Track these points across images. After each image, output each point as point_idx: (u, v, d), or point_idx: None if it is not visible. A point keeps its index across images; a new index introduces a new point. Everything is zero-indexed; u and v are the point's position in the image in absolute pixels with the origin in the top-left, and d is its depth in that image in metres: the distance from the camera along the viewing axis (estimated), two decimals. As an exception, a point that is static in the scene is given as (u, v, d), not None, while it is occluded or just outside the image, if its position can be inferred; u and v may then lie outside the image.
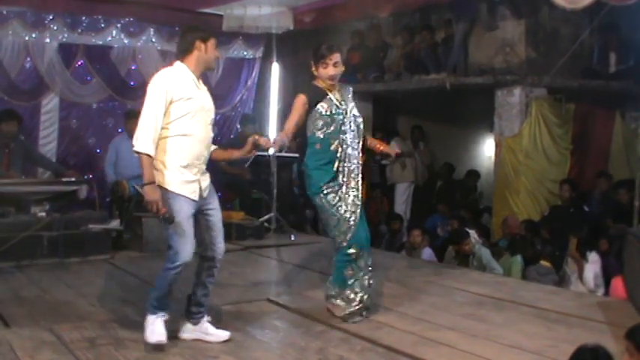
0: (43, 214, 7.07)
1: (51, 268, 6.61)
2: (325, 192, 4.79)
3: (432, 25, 10.33)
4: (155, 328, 4.18)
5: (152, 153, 4.09)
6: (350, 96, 4.98)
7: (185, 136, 4.19)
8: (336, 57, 4.84)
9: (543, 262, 7.15)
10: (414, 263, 7.41)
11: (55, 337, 4.38)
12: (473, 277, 6.57)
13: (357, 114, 4.97)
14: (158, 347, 4.16)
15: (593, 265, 6.93)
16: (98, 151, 9.24)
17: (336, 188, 4.80)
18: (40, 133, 8.88)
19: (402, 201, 10.56)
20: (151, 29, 9.40)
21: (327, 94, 4.84)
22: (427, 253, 8.19)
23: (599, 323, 4.83)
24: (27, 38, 8.59)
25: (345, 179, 4.81)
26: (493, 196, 9.51)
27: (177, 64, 4.29)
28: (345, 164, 4.81)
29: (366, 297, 4.87)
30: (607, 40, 9.38)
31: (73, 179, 7.78)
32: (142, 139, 4.09)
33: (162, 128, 4.15)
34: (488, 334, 4.54)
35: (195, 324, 4.43)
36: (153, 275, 6.31)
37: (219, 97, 10.17)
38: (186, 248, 4.15)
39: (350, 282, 4.85)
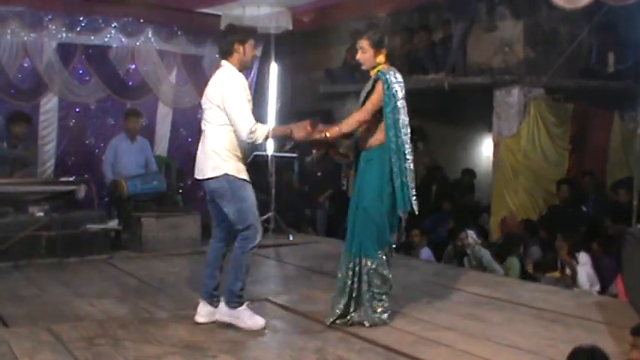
0: (42, 214, 7.07)
1: (49, 268, 6.61)
2: None
3: (430, 25, 10.34)
4: (253, 315, 4.61)
5: (269, 128, 4.58)
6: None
7: None
8: (359, 43, 4.79)
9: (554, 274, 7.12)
10: (413, 263, 7.41)
11: (53, 336, 4.37)
12: (471, 277, 6.57)
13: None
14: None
15: (584, 267, 6.94)
16: (97, 151, 9.22)
17: None
18: (39, 133, 8.84)
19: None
20: (149, 29, 9.38)
21: None
22: (426, 253, 8.20)
23: (597, 323, 4.84)
24: (25, 38, 8.55)
25: None
26: (491, 196, 9.51)
27: (227, 65, 4.62)
28: None
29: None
30: (605, 40, 9.40)
31: (71, 179, 7.78)
32: (255, 130, 4.42)
33: (226, 124, 4.48)
34: (486, 334, 4.55)
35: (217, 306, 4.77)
36: (151, 275, 6.38)
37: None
38: (259, 227, 4.58)
39: None
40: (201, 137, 4.66)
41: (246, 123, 4.41)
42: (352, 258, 4.70)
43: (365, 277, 4.68)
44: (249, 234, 4.51)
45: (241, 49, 4.60)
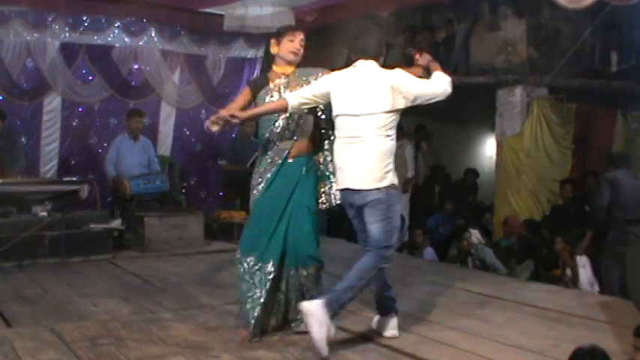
0: (45, 213, 7.08)
1: (52, 268, 6.62)
2: None
3: (433, 24, 10.33)
4: (328, 327, 3.98)
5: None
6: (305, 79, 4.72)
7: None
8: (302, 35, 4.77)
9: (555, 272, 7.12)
10: (416, 263, 7.41)
11: (56, 336, 4.38)
12: (474, 276, 6.57)
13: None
14: None
15: (584, 269, 6.94)
16: (100, 150, 9.24)
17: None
18: (42, 133, 8.87)
19: (404, 204, 10.53)
20: (152, 29, 9.40)
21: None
22: (429, 252, 8.20)
23: (600, 323, 4.83)
24: (28, 38, 8.59)
25: None
26: (494, 196, 9.51)
27: (374, 64, 4.33)
28: None
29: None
30: (608, 39, 9.37)
31: (74, 179, 7.79)
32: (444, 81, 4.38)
33: (388, 134, 4.25)
34: (489, 333, 4.54)
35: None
36: (155, 275, 6.37)
37: (220, 96, 10.17)
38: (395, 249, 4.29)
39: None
40: (356, 146, 4.20)
41: (441, 82, 4.36)
42: None
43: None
44: (387, 254, 4.16)
45: (384, 51, 4.41)
